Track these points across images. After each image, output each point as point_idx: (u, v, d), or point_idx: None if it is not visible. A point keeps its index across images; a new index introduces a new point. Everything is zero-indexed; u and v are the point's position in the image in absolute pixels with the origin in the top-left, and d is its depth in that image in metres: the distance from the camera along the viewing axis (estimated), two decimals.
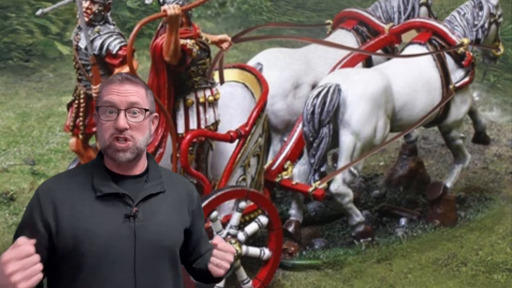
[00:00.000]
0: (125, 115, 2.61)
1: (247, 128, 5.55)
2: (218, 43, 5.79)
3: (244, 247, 5.48)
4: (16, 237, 2.62)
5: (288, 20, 12.11)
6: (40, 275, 2.32)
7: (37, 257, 2.32)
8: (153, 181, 2.73)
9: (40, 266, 2.33)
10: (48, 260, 2.61)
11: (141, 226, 2.63)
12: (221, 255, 2.77)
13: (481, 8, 6.98)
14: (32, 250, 2.32)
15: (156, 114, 2.78)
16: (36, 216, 2.59)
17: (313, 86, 6.65)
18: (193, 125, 5.34)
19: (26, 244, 2.32)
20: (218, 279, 2.88)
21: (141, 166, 2.74)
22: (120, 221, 2.61)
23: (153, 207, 2.69)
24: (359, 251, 6.46)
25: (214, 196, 5.26)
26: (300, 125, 6.38)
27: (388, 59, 7.00)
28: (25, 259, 2.30)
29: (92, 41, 5.41)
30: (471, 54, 6.82)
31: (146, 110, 2.67)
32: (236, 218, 5.45)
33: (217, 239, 2.78)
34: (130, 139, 2.62)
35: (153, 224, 2.65)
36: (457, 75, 6.83)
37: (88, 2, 5.40)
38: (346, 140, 6.26)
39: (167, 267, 2.72)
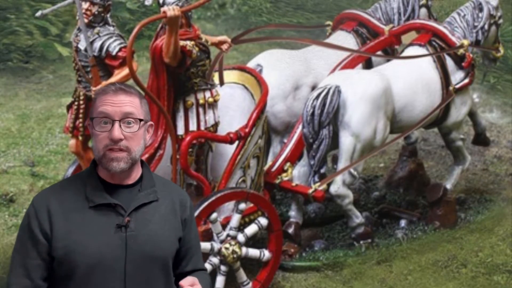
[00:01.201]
0: (120, 126, 2.61)
1: (247, 130, 5.55)
2: (218, 44, 5.78)
3: (244, 249, 5.48)
4: (18, 248, 2.69)
5: (288, 22, 12.09)
6: None
7: None
8: (147, 190, 2.73)
9: None
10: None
11: (133, 236, 2.64)
12: None
13: (481, 10, 6.98)
14: None
15: (151, 122, 2.78)
16: (35, 226, 2.63)
17: (313, 88, 6.64)
18: (192, 126, 5.34)
19: None
20: None
21: (135, 175, 2.74)
22: (111, 231, 2.62)
23: (145, 217, 2.69)
24: (359, 252, 6.45)
25: (213, 198, 5.26)
26: (300, 127, 6.37)
27: (388, 60, 6.99)
28: None
29: (91, 43, 5.41)
30: (471, 55, 6.82)
31: (140, 120, 2.66)
32: (235, 219, 5.45)
33: (184, 281, 2.68)
34: (125, 149, 2.62)
35: (145, 234, 2.66)
36: (457, 77, 6.83)
37: (87, 4, 5.40)
38: (346, 141, 6.25)
39: (159, 278, 2.72)
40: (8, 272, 2.72)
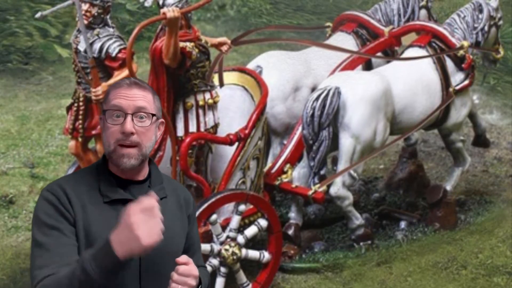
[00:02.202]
0: (132, 119, 2.60)
1: (246, 131, 5.54)
2: (218, 46, 5.77)
3: (243, 250, 5.47)
4: (47, 232, 2.53)
5: (287, 23, 12.09)
6: (161, 234, 2.31)
7: (158, 212, 2.33)
8: (156, 187, 2.73)
9: (161, 224, 2.32)
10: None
11: None
12: (182, 280, 2.57)
13: (481, 11, 6.97)
14: (155, 204, 2.32)
15: (162, 120, 2.77)
16: (61, 207, 2.56)
17: (313, 89, 6.64)
18: (192, 128, 5.33)
19: (149, 199, 2.33)
20: None
21: (144, 171, 2.74)
22: None
23: None
24: (359, 254, 6.45)
25: (213, 199, 5.25)
26: (300, 128, 6.37)
27: (388, 62, 6.99)
28: (147, 212, 2.31)
29: (91, 44, 5.41)
30: (471, 57, 6.82)
31: (153, 115, 2.66)
32: (235, 221, 5.44)
33: (181, 259, 2.59)
34: (136, 145, 2.61)
35: None
36: (457, 78, 6.82)
37: (87, 5, 5.40)
38: (346, 143, 6.25)
39: (171, 272, 2.66)
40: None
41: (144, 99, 2.65)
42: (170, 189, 2.82)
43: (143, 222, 2.28)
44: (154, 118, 2.67)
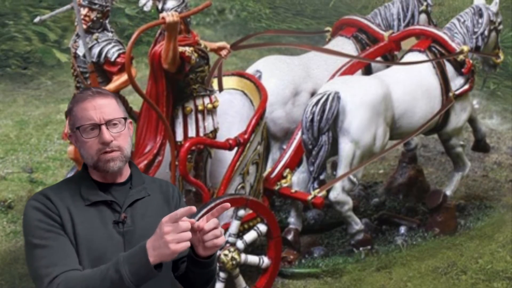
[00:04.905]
0: (107, 128, 2.69)
1: (246, 136, 5.53)
2: (217, 50, 5.77)
3: (243, 255, 5.46)
4: (42, 235, 2.62)
5: (287, 28, 12.08)
6: (188, 243, 2.43)
7: (188, 224, 2.43)
8: (137, 187, 2.82)
9: (189, 235, 2.43)
10: None
11: (130, 231, 2.72)
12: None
13: (481, 16, 6.97)
14: (188, 213, 2.43)
15: (130, 120, 2.86)
16: (48, 211, 2.65)
17: (312, 94, 6.63)
18: (191, 133, 5.33)
19: (181, 211, 2.42)
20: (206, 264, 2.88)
21: (125, 173, 2.83)
22: (110, 227, 2.70)
23: (140, 211, 2.78)
24: (358, 259, 6.43)
25: (212, 204, 5.23)
26: (299, 133, 6.36)
27: (388, 66, 6.98)
28: (178, 223, 2.41)
29: (90, 49, 5.40)
30: (471, 61, 6.80)
31: (124, 119, 2.77)
32: (235, 226, 5.43)
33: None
34: (117, 149, 2.71)
35: (141, 228, 2.73)
36: (457, 83, 6.81)
37: (86, 9, 5.38)
38: (346, 148, 6.23)
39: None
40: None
41: (111, 106, 2.74)
42: (155, 188, 2.90)
43: (174, 230, 2.40)
44: (124, 121, 2.78)
